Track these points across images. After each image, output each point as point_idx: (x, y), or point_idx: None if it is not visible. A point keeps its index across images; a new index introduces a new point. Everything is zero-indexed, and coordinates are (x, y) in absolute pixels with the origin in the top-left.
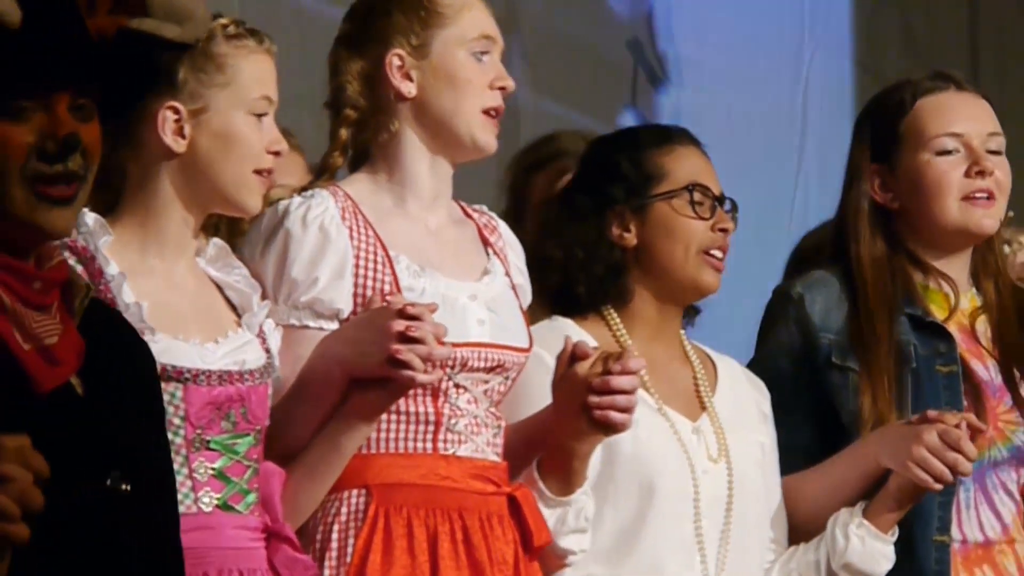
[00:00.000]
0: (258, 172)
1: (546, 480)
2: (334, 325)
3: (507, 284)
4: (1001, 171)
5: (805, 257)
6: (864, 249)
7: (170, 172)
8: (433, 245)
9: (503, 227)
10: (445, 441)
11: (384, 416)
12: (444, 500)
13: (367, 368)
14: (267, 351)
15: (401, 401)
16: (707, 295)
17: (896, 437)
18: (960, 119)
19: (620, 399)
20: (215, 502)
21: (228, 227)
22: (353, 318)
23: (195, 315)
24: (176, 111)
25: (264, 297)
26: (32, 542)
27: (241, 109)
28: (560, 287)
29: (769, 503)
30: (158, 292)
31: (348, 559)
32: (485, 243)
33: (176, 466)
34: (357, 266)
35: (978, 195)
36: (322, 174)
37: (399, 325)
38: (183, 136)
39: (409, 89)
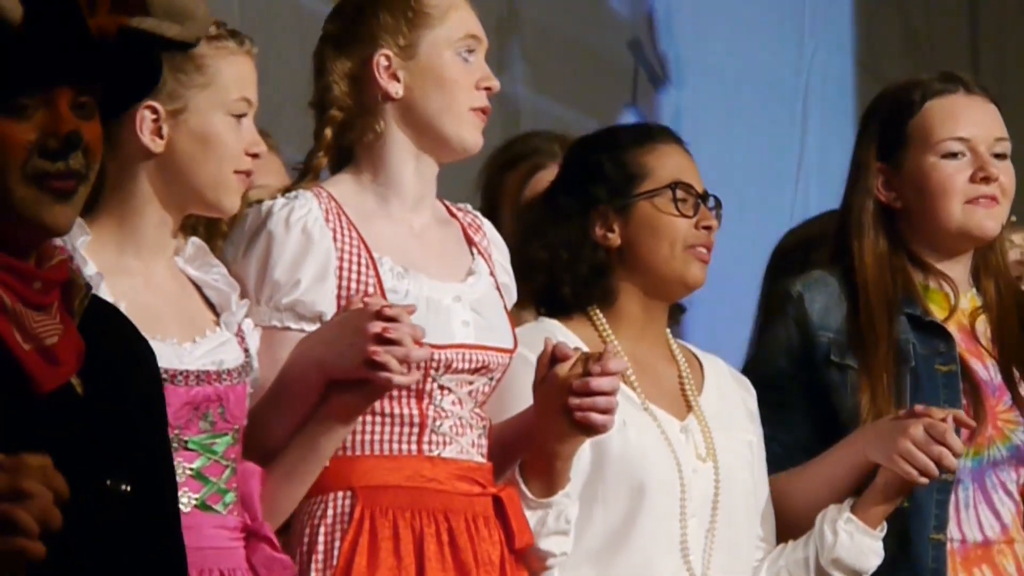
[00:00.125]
0: (236, 173)
1: (529, 482)
2: (316, 327)
3: (492, 284)
4: (1006, 176)
5: (786, 254)
6: (867, 246)
7: (148, 172)
8: (417, 246)
9: (488, 226)
10: (430, 443)
11: (369, 418)
12: (430, 502)
13: (344, 370)
14: (245, 350)
15: (386, 403)
16: (694, 289)
17: (883, 432)
18: (967, 123)
19: (601, 400)
20: (193, 502)
21: (207, 228)
22: (331, 319)
23: (173, 315)
24: (155, 111)
25: (243, 297)
26: None
27: (220, 110)
28: (545, 288)
29: (757, 501)
30: (136, 292)
31: (334, 562)
32: (470, 242)
33: None
34: (341, 268)
35: (982, 200)
36: (306, 174)
37: (376, 327)
38: (161, 136)
39: (396, 89)
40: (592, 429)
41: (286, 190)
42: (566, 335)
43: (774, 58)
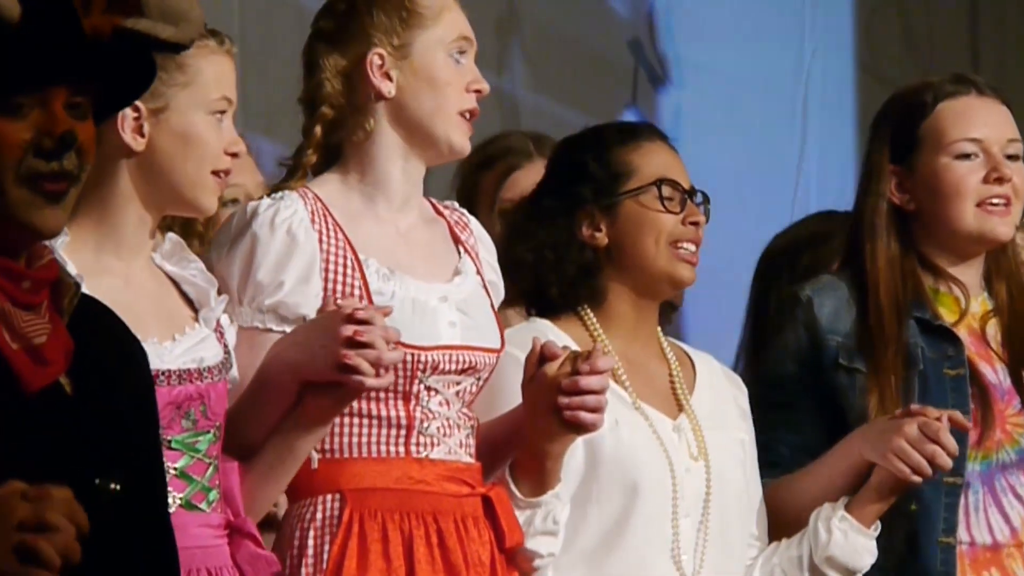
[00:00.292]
0: (215, 173)
1: (518, 481)
2: None
3: (478, 283)
4: (1019, 177)
5: (774, 258)
6: (879, 249)
7: (128, 171)
8: (403, 247)
9: (474, 223)
10: (418, 444)
11: (356, 421)
12: (418, 504)
13: (318, 372)
14: (224, 346)
15: (373, 405)
16: (683, 287)
17: (878, 430)
18: (980, 124)
19: (590, 399)
20: (178, 502)
21: (182, 229)
22: (305, 322)
23: (153, 314)
24: (136, 109)
25: (221, 292)
26: None
27: (201, 109)
28: (532, 290)
29: (750, 500)
30: (115, 291)
31: (324, 565)
32: (456, 241)
33: None
34: (326, 270)
35: (995, 201)
36: (295, 173)
37: (347, 330)
38: (142, 135)
39: (389, 89)
40: (582, 428)
41: (274, 189)
42: (557, 335)
43: (774, 58)
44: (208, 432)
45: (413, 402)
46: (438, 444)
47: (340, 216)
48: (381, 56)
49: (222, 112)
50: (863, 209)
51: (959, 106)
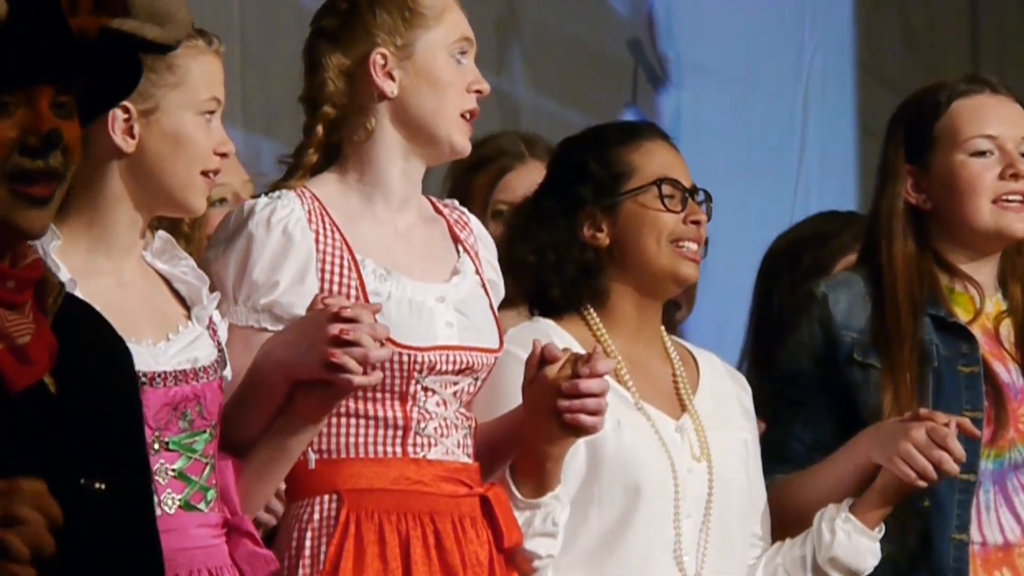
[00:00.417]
0: (204, 173)
1: (519, 483)
2: None
3: (477, 283)
4: None
5: (776, 258)
6: (896, 248)
7: (119, 172)
8: (401, 247)
9: (474, 222)
10: (415, 445)
11: (353, 421)
12: (415, 504)
13: (307, 371)
14: (218, 344)
15: (369, 406)
16: (686, 285)
17: (886, 433)
18: (995, 121)
19: (590, 402)
20: (177, 503)
21: (168, 230)
22: (294, 321)
23: (146, 314)
24: (126, 110)
25: (213, 290)
26: None
27: (191, 110)
28: (534, 291)
29: (753, 499)
30: (108, 293)
31: (321, 565)
32: (455, 240)
33: None
34: (323, 270)
35: (1011, 198)
36: (295, 172)
37: (333, 328)
38: (132, 136)
39: (391, 89)
40: (581, 431)
41: (272, 188)
42: (560, 335)
43: (774, 58)
44: (204, 432)
45: (410, 402)
46: (435, 444)
47: (338, 216)
48: (384, 56)
49: (211, 112)
50: (880, 209)
51: (974, 104)
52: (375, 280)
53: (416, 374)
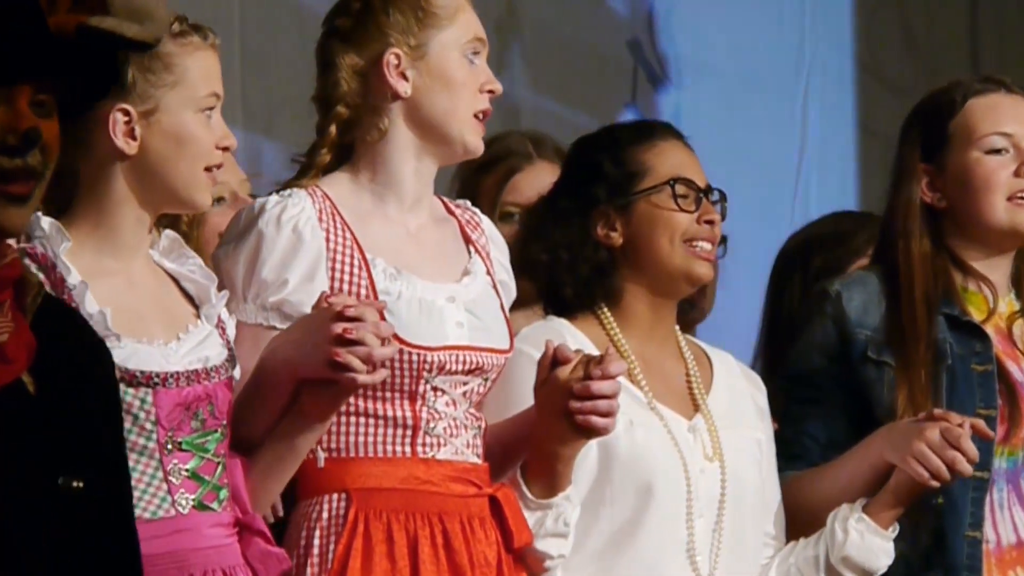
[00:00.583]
0: (208, 169)
1: (530, 483)
2: None
3: (488, 284)
4: None
5: (790, 257)
6: (914, 247)
7: (123, 173)
8: (412, 247)
9: (486, 223)
10: (424, 445)
11: (362, 420)
12: (424, 504)
13: (311, 370)
14: (227, 343)
15: (379, 405)
16: (700, 284)
17: (900, 433)
18: (1010, 119)
19: (602, 404)
20: (191, 503)
21: (170, 227)
22: (298, 319)
23: (156, 314)
24: (127, 113)
25: (221, 288)
26: None
27: (191, 107)
28: (547, 290)
29: (766, 499)
30: (118, 294)
31: (329, 564)
32: (467, 240)
33: (151, 470)
34: (333, 269)
35: None
36: (307, 171)
37: (337, 327)
38: (134, 138)
39: (405, 89)
40: (593, 432)
41: (284, 186)
42: (573, 335)
43: (774, 58)
44: (216, 431)
45: (419, 402)
46: (444, 444)
47: (349, 215)
48: (398, 56)
49: (211, 108)
50: (895, 208)
51: (988, 102)
52: (385, 279)
53: (426, 374)
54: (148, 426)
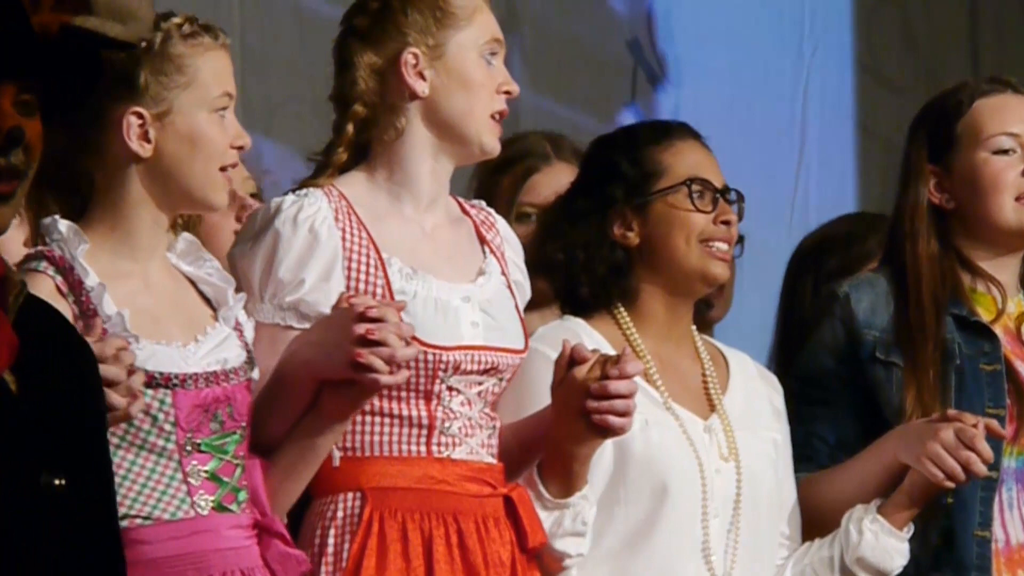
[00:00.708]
0: (223, 168)
1: (546, 483)
2: None
3: (503, 284)
4: None
5: (803, 258)
6: (921, 248)
7: (138, 176)
8: (428, 247)
9: (501, 223)
10: (439, 444)
11: (378, 419)
12: (439, 504)
13: (333, 370)
14: (245, 345)
15: (394, 404)
16: (716, 284)
17: (914, 433)
18: (1017, 120)
19: (619, 403)
20: (211, 504)
21: (184, 227)
22: (319, 320)
23: (173, 315)
24: (140, 116)
25: (248, 293)
26: None
27: (204, 108)
28: (564, 290)
29: (782, 500)
30: (135, 296)
31: (344, 563)
32: (482, 240)
33: (170, 471)
34: (349, 268)
35: None
36: (324, 170)
37: (359, 328)
38: (148, 140)
39: (422, 88)
40: (609, 432)
41: (300, 186)
42: (590, 334)
43: (774, 58)
44: (235, 433)
45: (435, 402)
46: (460, 444)
47: (365, 214)
48: (416, 55)
49: (224, 108)
50: (903, 209)
51: (996, 103)
52: (401, 279)
53: (441, 373)
54: (167, 427)
